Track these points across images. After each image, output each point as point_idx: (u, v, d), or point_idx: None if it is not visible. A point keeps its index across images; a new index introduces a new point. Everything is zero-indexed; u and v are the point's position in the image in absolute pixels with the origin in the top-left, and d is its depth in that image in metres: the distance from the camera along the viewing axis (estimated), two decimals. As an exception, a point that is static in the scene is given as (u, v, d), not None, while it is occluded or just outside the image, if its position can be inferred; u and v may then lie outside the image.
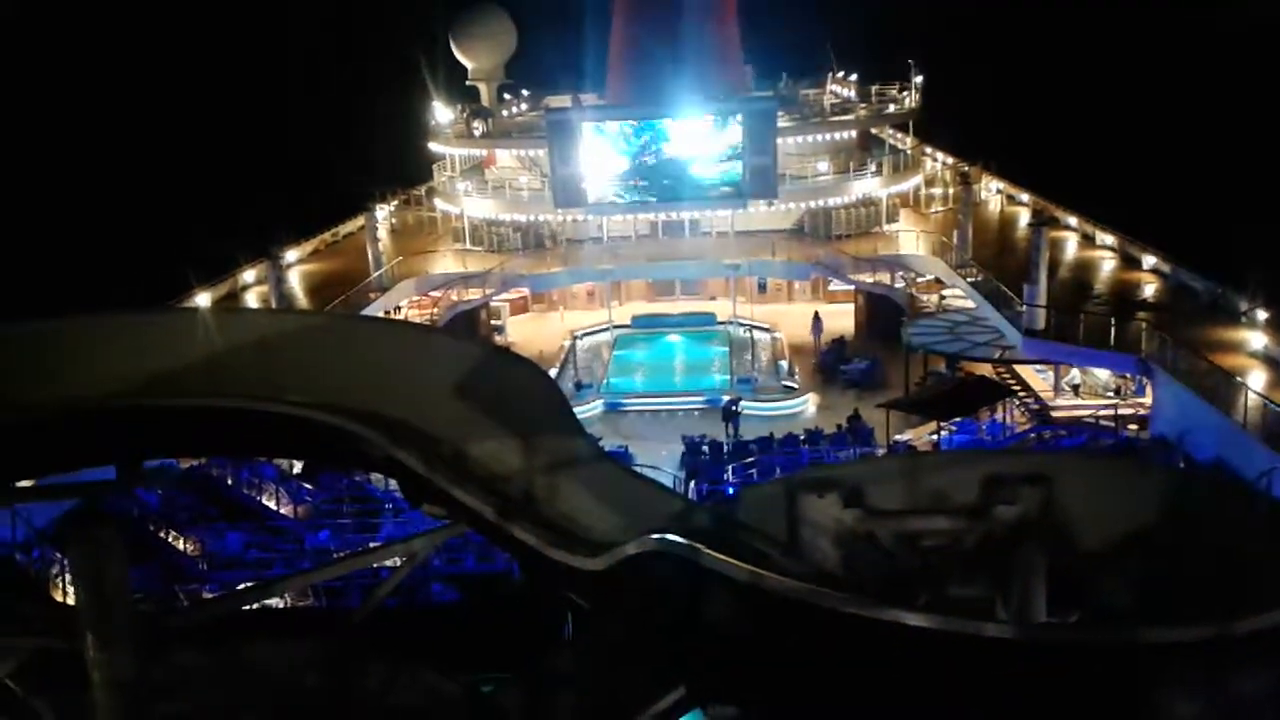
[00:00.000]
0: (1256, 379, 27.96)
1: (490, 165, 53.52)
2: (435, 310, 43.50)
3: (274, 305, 36.89)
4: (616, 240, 50.18)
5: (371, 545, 24.70)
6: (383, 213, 53.72)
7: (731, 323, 45.54)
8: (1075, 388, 35.83)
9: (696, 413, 37.65)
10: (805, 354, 43.41)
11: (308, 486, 29.24)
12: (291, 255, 46.56)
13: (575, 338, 45.23)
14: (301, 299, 41.38)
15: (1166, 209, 50.82)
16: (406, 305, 44.45)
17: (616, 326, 46.05)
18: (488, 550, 23.47)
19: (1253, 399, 25.96)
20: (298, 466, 30.54)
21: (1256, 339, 30.64)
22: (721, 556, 12.96)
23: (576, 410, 37.01)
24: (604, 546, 14.51)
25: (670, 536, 13.61)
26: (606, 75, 55.64)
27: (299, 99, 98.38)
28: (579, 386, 39.89)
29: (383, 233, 50.22)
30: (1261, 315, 31.35)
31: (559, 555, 14.73)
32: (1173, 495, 14.79)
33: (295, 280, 44.24)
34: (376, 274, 43.01)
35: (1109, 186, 55.25)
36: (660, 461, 33.00)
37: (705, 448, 32.78)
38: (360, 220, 49.08)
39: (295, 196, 61.81)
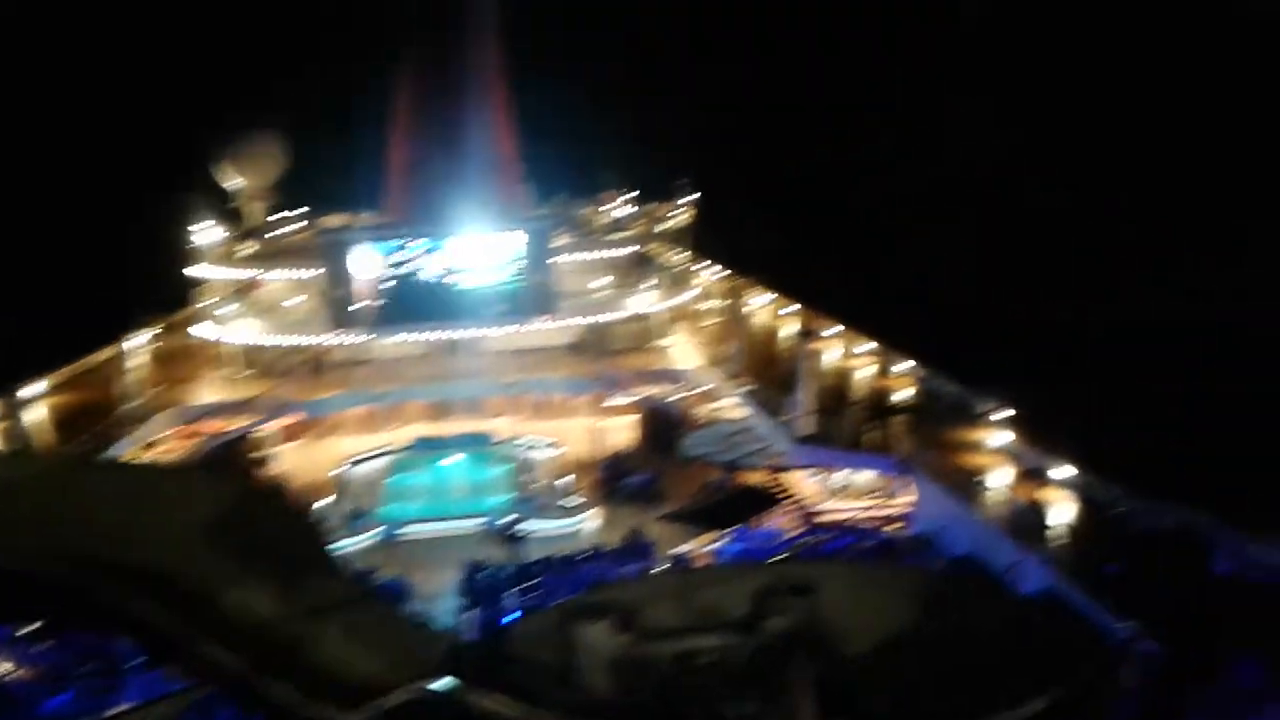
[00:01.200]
0: (1002, 476, 29.99)
1: (259, 287, 51.74)
2: (197, 442, 41.05)
3: (6, 446, 33.91)
4: (393, 361, 49.20)
5: (109, 713, 22.46)
6: (140, 339, 50.80)
7: (512, 441, 45.17)
8: (838, 489, 37.25)
9: (478, 537, 36.76)
10: (586, 470, 43.45)
11: (39, 647, 26.45)
12: (36, 388, 43.10)
13: (350, 464, 43.63)
14: (44, 436, 38.20)
15: (918, 317, 54.44)
16: (166, 438, 41.72)
17: (394, 450, 44.80)
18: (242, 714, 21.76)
19: (998, 495, 27.74)
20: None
21: (1000, 437, 32.93)
22: (490, 698, 12.49)
23: (351, 541, 36.00)
24: (366, 697, 13.73)
25: (435, 682, 13.02)
26: (383, 194, 55.33)
27: (51, 214, 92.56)
28: (354, 516, 38.29)
29: (141, 360, 47.41)
30: (1003, 415, 33.80)
31: (317, 712, 13.81)
32: (926, 597, 15.44)
33: (38, 415, 40.87)
34: (131, 405, 40.33)
35: (866, 298, 58.82)
36: (440, 590, 32.00)
37: (486, 573, 31.93)
38: (115, 347, 46.12)
39: (40, 322, 57.56)
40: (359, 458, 44.52)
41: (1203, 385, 44.49)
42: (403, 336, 48.27)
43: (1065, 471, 29.23)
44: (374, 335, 47.35)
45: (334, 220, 55.36)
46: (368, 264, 45.33)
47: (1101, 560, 23.69)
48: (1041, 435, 31.33)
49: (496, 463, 44.05)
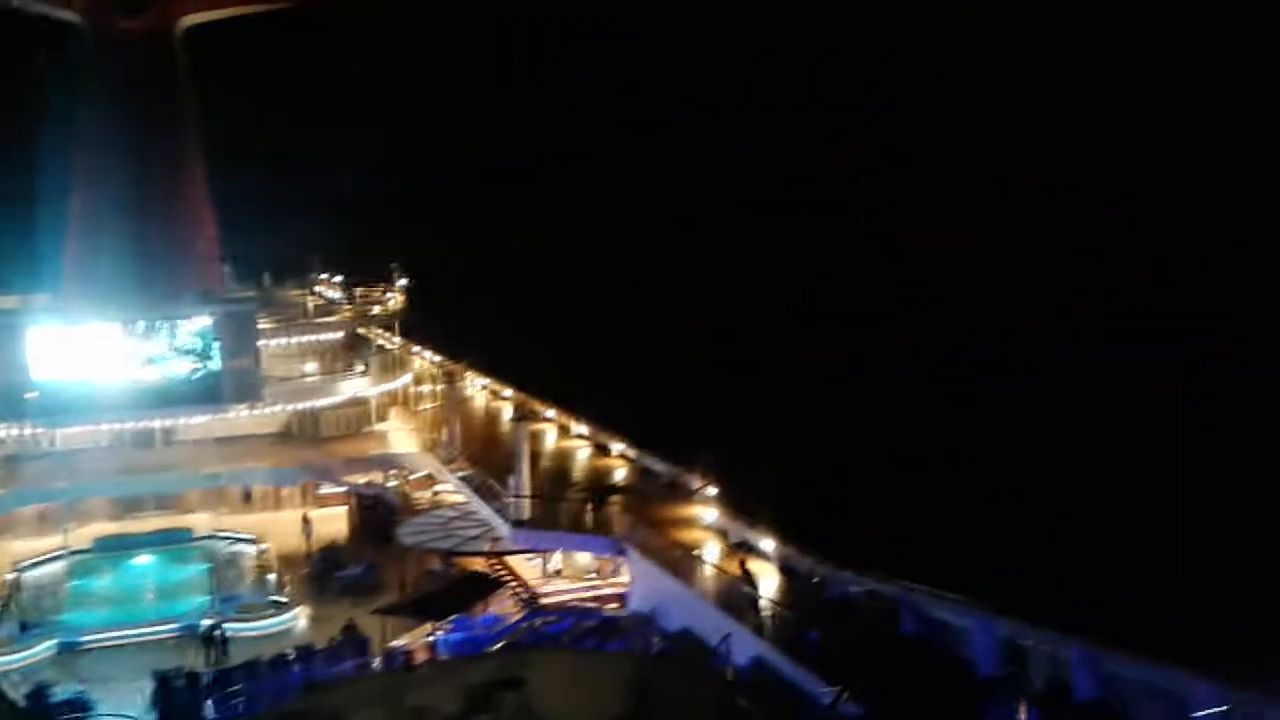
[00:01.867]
0: (711, 551, 31.23)
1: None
2: None
3: None
4: (74, 454, 44.90)
5: None
6: None
7: (213, 537, 42.26)
8: (557, 571, 37.38)
9: (171, 643, 33.89)
10: (296, 564, 41.27)
11: None
12: None
13: (19, 570, 39.20)
14: None
15: (630, 399, 56.12)
16: None
17: (74, 552, 40.75)
18: None
19: (708, 570, 28.79)
20: None
21: (709, 513, 34.29)
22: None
23: (22, 655, 32.25)
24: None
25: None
26: (62, 273, 50.92)
27: None
28: (24, 627, 34.35)
29: None
30: (712, 491, 35.27)
31: None
32: (638, 680, 15.65)
33: None
34: None
35: (580, 380, 60.01)
36: (127, 704, 29.19)
37: (181, 682, 29.43)
38: None
39: None
40: (30, 561, 40.18)
41: (888, 456, 48.48)
42: (84, 427, 44.22)
43: (767, 543, 30.85)
44: (51, 426, 43.09)
45: (6, 302, 50.26)
46: (45, 349, 41.40)
47: (804, 628, 25.00)
48: (745, 510, 32.93)
49: (193, 561, 41.07)
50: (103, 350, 43.20)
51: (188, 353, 43.63)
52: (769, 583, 28.86)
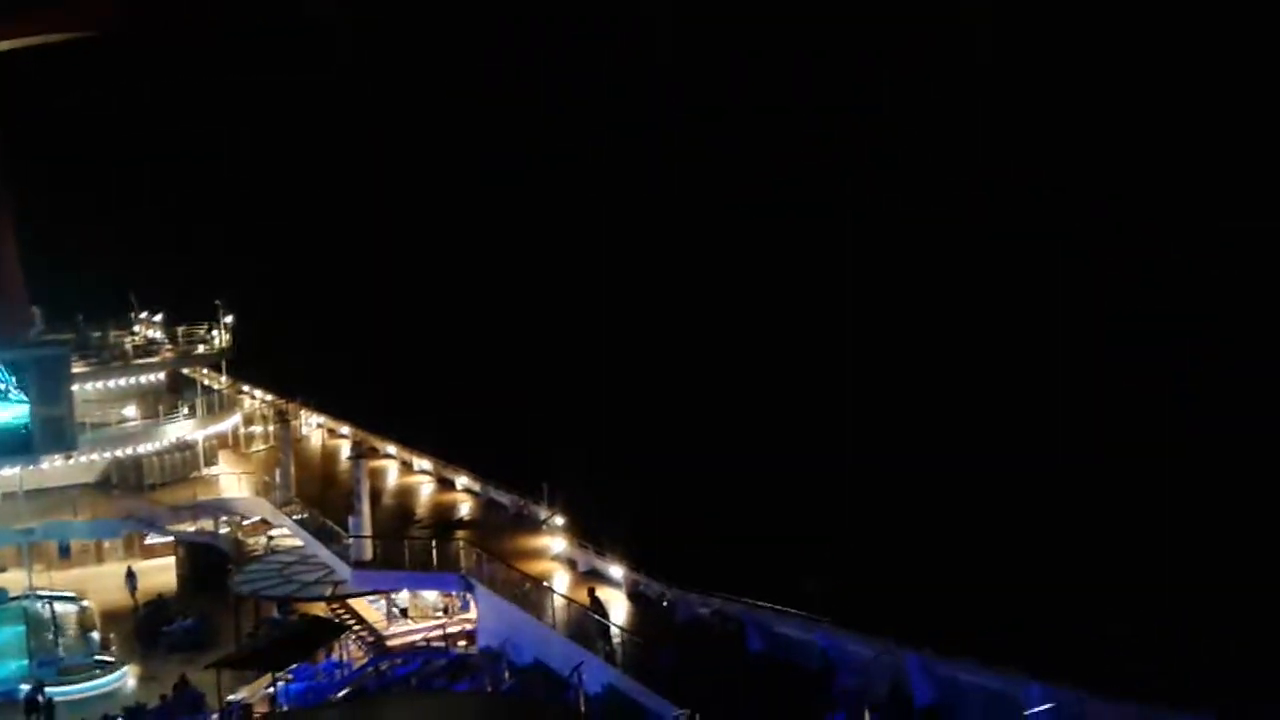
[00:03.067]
0: (560, 581, 31.18)
1: None
2: None
3: None
4: None
5: None
6: None
7: (28, 596, 39.55)
8: (403, 611, 36.62)
9: (-13, 711, 31.58)
10: (122, 620, 39.06)
11: None
12: None
13: None
14: None
15: (474, 430, 55.54)
16: None
17: None
18: None
19: (558, 601, 28.72)
20: None
21: (557, 544, 34.24)
22: None
23: None
24: None
25: None
26: None
27: None
28: None
29: None
30: (558, 521, 35.24)
31: None
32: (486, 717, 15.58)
33: None
34: None
35: (419, 411, 59.04)
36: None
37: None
38: None
39: None
40: None
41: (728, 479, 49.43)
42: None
43: (616, 570, 31.04)
44: None
45: None
46: None
47: (655, 652, 25.22)
48: (593, 538, 33.04)
49: (9, 623, 38.34)
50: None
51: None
52: (619, 609, 29.03)
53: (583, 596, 28.79)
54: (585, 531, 34.03)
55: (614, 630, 26.56)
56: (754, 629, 25.63)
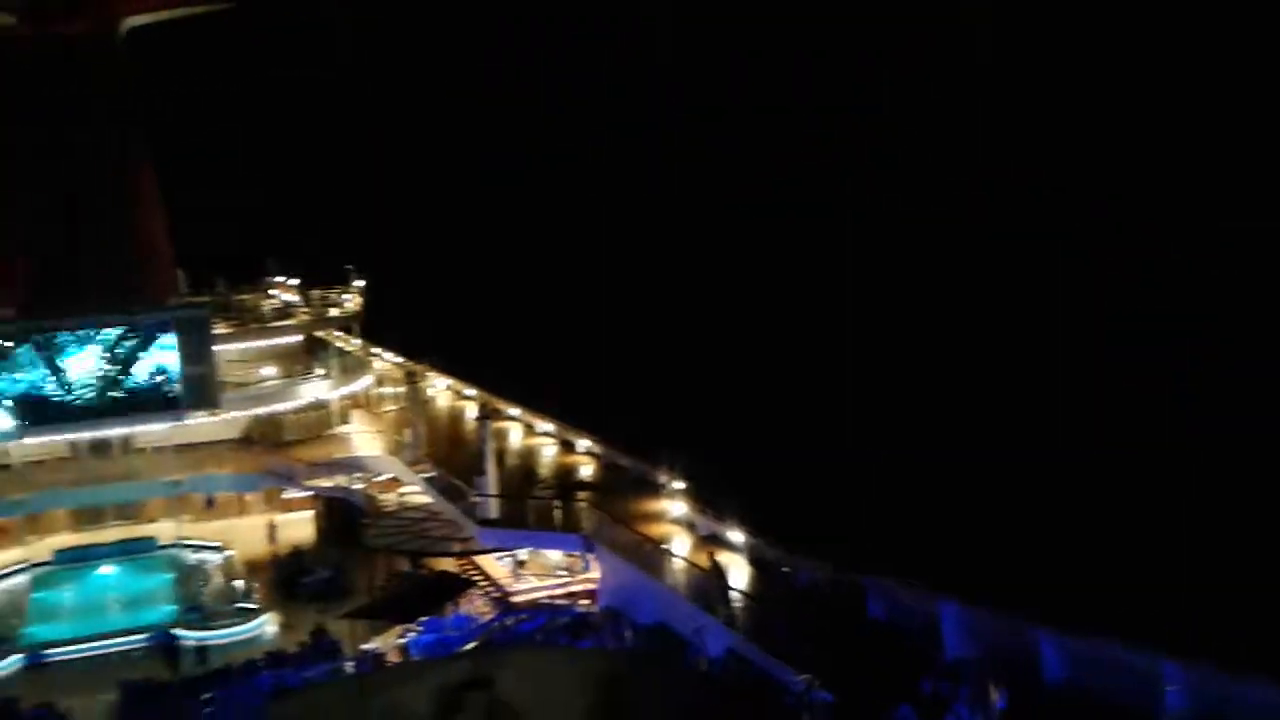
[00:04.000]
0: (680, 544, 31.39)
1: None
2: None
3: None
4: (29, 466, 44.16)
5: None
6: None
7: (177, 546, 41.80)
8: (521, 563, 37.31)
9: (138, 653, 33.50)
10: (262, 570, 40.95)
11: None
12: None
13: (-21, 584, 38.61)
14: None
15: (595, 392, 56.18)
16: None
17: (34, 565, 40.14)
18: None
19: (678, 564, 28.93)
20: None
21: (677, 507, 34.43)
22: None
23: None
24: None
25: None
26: (12, 284, 49.95)
27: None
28: (-12, 641, 33.81)
29: None
30: (678, 486, 35.41)
31: None
32: (609, 676, 15.74)
33: None
34: None
35: (544, 376, 59.94)
36: (96, 716, 28.92)
37: (149, 694, 29.16)
38: None
39: None
40: (-10, 576, 39.60)
41: (852, 446, 48.87)
42: (42, 439, 43.52)
43: (736, 535, 31.05)
44: (7, 439, 42.38)
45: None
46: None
47: (774, 617, 25.22)
48: (713, 503, 33.10)
49: (158, 571, 40.60)
50: (60, 360, 42.49)
51: (146, 361, 43.00)
52: (739, 574, 29.07)
53: (703, 560, 28.93)
54: (705, 496, 34.14)
55: (734, 594, 26.63)
56: (875, 596, 25.37)
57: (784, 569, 28.99)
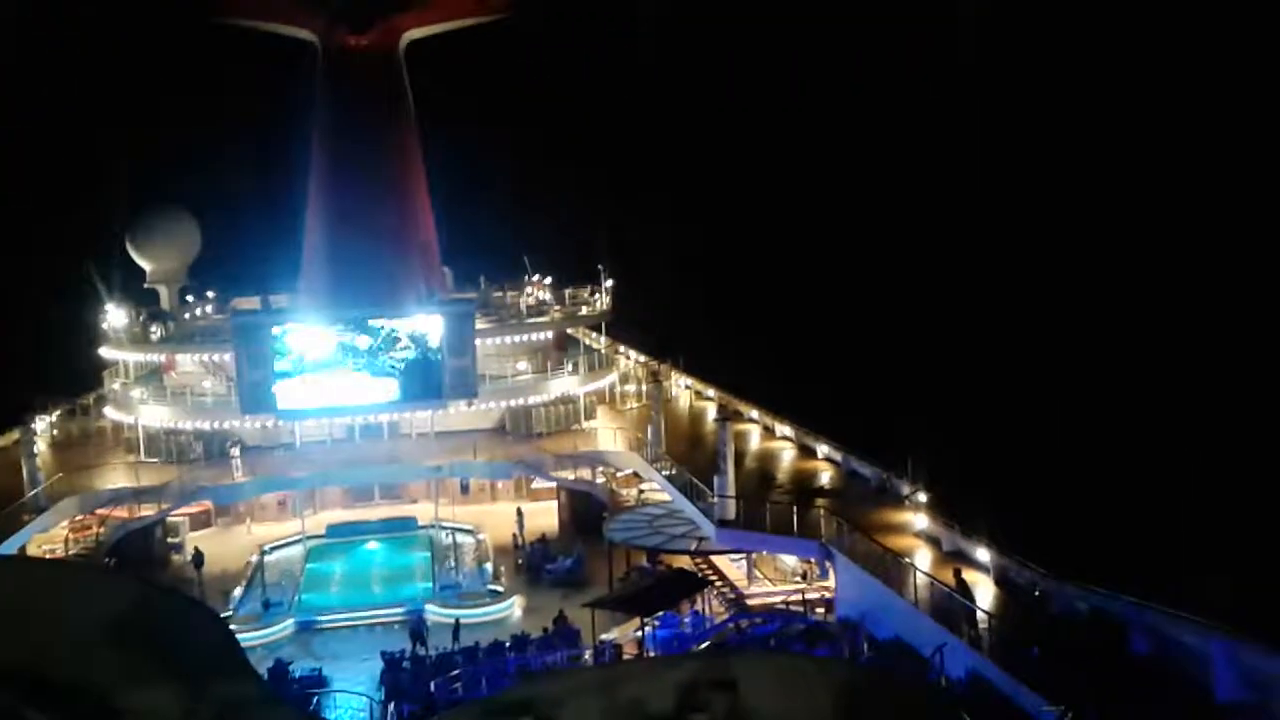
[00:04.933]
0: (923, 558, 30.31)
1: (170, 371, 50.41)
2: (102, 530, 39.40)
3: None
4: (310, 446, 48.11)
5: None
6: (43, 424, 49.06)
7: (434, 526, 44.37)
8: (766, 574, 37.13)
9: (397, 626, 35.81)
10: (510, 555, 42.86)
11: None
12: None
13: (264, 552, 42.33)
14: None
15: (836, 400, 55.30)
16: (68, 526, 39.94)
17: (309, 537, 43.67)
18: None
19: (921, 578, 27.95)
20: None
21: (920, 520, 33.31)
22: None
23: (265, 632, 34.80)
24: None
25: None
26: (299, 276, 54.78)
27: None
28: (267, 605, 37.06)
29: (43, 446, 45.72)
30: (922, 498, 34.25)
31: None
32: (851, 689, 15.33)
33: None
34: (32, 493, 38.58)
35: (785, 379, 59.63)
36: (359, 681, 31.07)
37: (406, 663, 31.11)
38: (16, 433, 44.05)
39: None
40: (272, 545, 43.32)
41: (1119, 467, 45.72)
42: (321, 421, 47.28)
43: (984, 553, 29.65)
44: (292, 419, 46.31)
45: (247, 302, 54.39)
46: (286, 347, 44.52)
47: (1023, 642, 23.90)
48: (960, 517, 31.76)
49: (416, 549, 43.25)
50: (337, 348, 45.91)
51: (414, 351, 45.77)
52: (985, 594, 27.76)
53: (947, 576, 27.82)
54: (951, 510, 32.82)
55: (980, 615, 25.47)
56: (1138, 630, 23.57)
57: (1036, 592, 27.44)
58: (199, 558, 40.22)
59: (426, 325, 45.53)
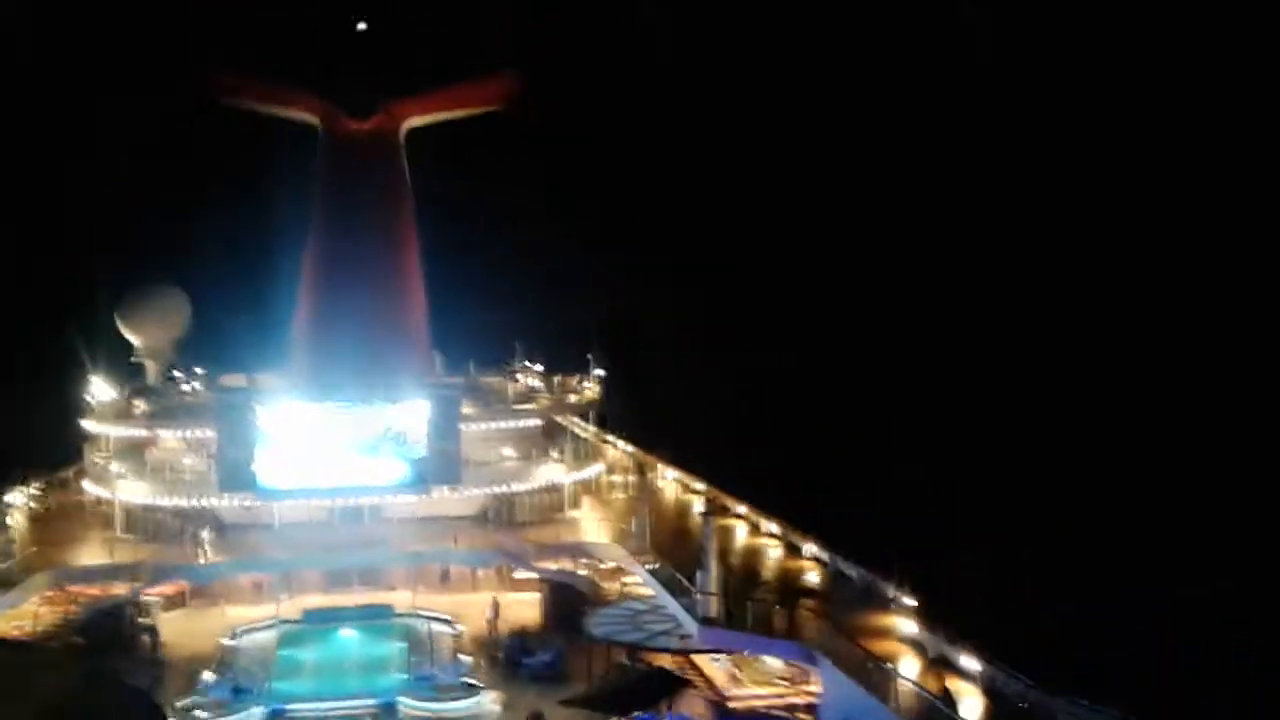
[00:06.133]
0: (909, 665, 29.80)
1: (152, 447, 49.90)
2: (73, 608, 38.53)
3: None
4: (289, 527, 47.44)
5: None
6: (21, 496, 48.39)
7: (411, 615, 43.51)
8: (739, 668, 36.20)
9: (369, 718, 34.83)
10: (487, 647, 41.95)
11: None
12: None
13: (235, 635, 41.36)
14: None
15: (823, 498, 55.00)
16: (39, 602, 39.03)
17: (284, 621, 42.70)
18: None
19: (906, 686, 27.44)
20: None
21: (906, 625, 32.85)
22: None
23: (235, 718, 33.78)
24: None
25: None
26: (288, 356, 54.73)
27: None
28: (237, 691, 35.97)
29: (20, 518, 45.06)
30: (908, 602, 33.84)
31: None
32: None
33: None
34: (3, 566, 37.80)
35: (771, 474, 59.35)
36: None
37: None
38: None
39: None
40: (245, 628, 42.35)
41: (1113, 577, 45.34)
42: (301, 502, 46.73)
43: (971, 661, 29.19)
44: (268, 499, 45.76)
45: (233, 380, 54.15)
46: (270, 426, 44.21)
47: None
48: (946, 623, 31.35)
49: (393, 638, 42.27)
50: (323, 430, 45.62)
51: (398, 435, 45.54)
52: (972, 705, 27.26)
53: (933, 685, 27.34)
54: (937, 615, 32.41)
55: (966, 726, 24.97)
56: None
57: (1022, 704, 26.96)
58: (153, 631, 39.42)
59: (413, 409, 45.35)
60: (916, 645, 31.67)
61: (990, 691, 28.01)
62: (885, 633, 32.75)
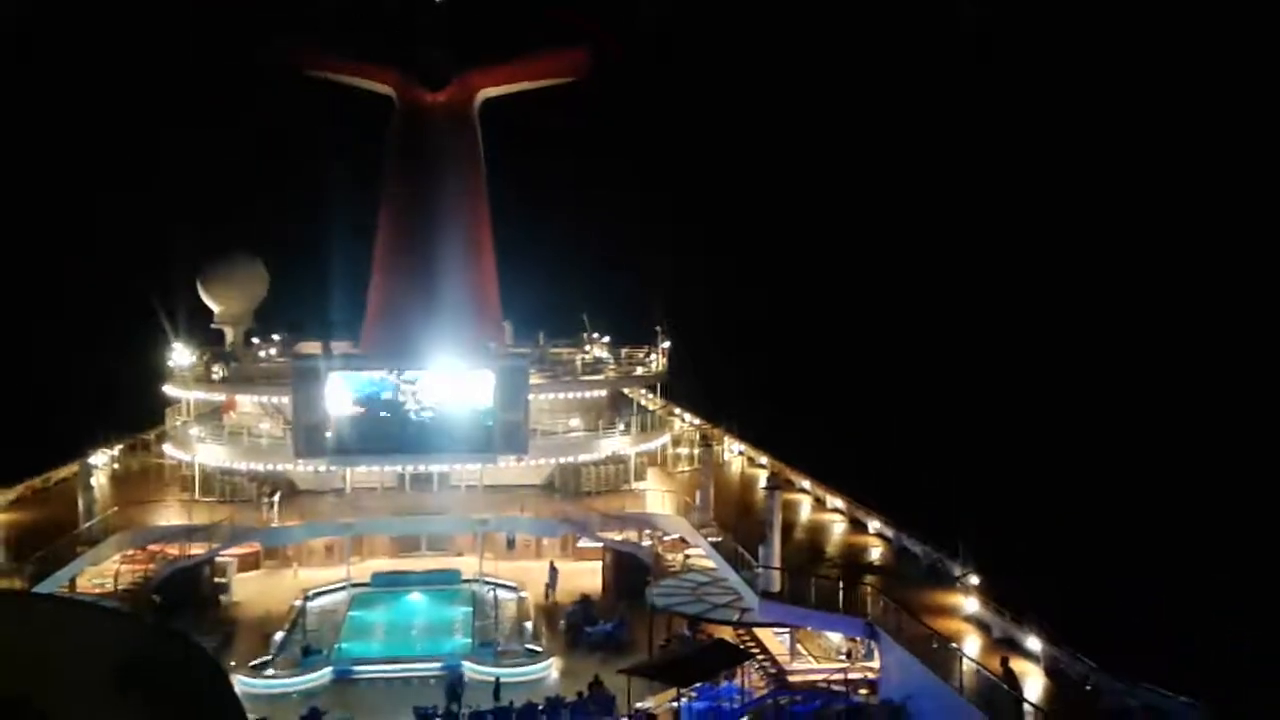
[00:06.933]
0: (971, 644, 29.42)
1: (230, 411, 51.23)
2: (151, 566, 39.87)
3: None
4: (360, 492, 48.43)
5: None
6: (104, 457, 50.00)
7: (477, 581, 44.18)
8: (808, 650, 36.17)
9: (433, 681, 35.50)
10: (551, 614, 42.46)
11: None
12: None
13: (307, 597, 42.44)
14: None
15: (891, 474, 54.41)
16: (119, 561, 40.44)
17: (354, 585, 43.69)
18: None
19: (968, 665, 27.11)
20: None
21: (970, 604, 32.42)
22: None
23: (302, 679, 34.74)
24: None
25: None
26: (361, 324, 55.65)
27: (20, 325, 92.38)
28: (306, 652, 36.95)
29: (102, 479, 46.58)
30: (973, 580, 33.36)
31: None
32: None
33: (-10, 532, 39.75)
34: (85, 525, 39.16)
35: (837, 449, 58.85)
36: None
37: (438, 720, 30.83)
38: (76, 465, 44.83)
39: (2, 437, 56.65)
40: (317, 590, 43.42)
41: (1182, 563, 44.30)
42: (371, 467, 47.62)
43: (1035, 642, 28.71)
44: (342, 465, 46.68)
45: (308, 347, 55.24)
46: (341, 393, 45.03)
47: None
48: (1011, 603, 30.85)
49: (458, 603, 43.04)
50: (395, 397, 46.31)
51: (468, 404, 45.98)
52: (1035, 685, 26.85)
53: (994, 665, 26.98)
54: (1002, 595, 31.90)
55: (1027, 708, 24.60)
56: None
57: (1088, 686, 26.48)
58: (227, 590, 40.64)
59: (483, 378, 45.78)
60: (980, 624, 31.25)
61: (1053, 672, 27.56)
62: (949, 611, 32.35)
